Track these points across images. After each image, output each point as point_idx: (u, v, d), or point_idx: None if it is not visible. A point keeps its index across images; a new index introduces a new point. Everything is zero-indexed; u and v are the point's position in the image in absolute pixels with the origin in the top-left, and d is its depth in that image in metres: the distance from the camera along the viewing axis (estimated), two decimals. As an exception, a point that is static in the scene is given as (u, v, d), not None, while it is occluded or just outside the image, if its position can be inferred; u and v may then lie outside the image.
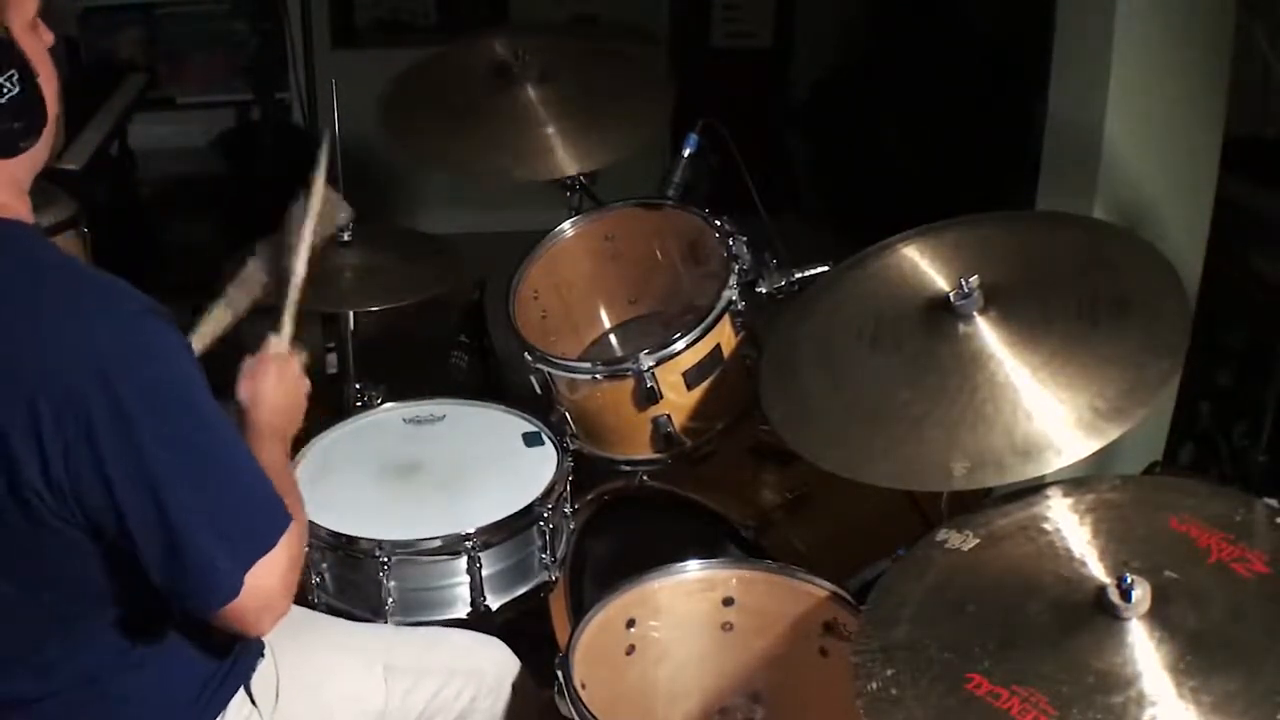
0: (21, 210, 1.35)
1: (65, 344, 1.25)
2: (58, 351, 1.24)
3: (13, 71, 1.29)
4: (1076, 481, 1.52)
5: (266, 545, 1.35)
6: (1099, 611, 1.32)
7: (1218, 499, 1.45)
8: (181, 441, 1.28)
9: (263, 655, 1.57)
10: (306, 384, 1.63)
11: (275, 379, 1.56)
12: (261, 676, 1.56)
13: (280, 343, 1.62)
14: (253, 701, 1.54)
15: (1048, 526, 1.47)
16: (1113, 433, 1.47)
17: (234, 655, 1.52)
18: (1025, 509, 1.50)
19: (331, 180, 1.76)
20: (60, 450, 1.23)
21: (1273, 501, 1.42)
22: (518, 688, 1.79)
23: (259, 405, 1.53)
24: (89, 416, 1.23)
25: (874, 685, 1.34)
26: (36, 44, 1.34)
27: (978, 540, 1.49)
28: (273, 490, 1.38)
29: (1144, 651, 1.28)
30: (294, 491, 1.50)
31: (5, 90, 1.28)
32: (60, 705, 1.39)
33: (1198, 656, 1.26)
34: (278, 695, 1.56)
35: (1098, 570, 1.39)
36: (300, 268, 1.66)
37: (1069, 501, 1.49)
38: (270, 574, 1.35)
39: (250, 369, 1.57)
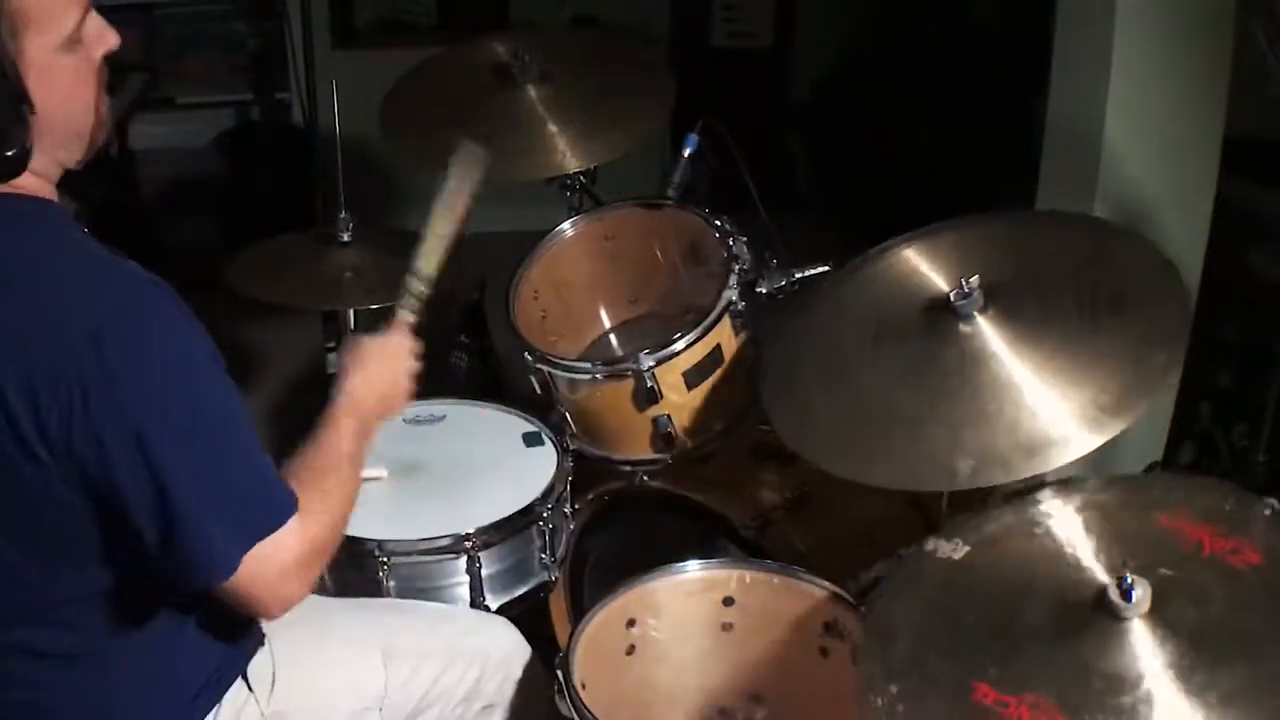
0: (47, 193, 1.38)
1: (61, 306, 1.25)
2: (53, 313, 1.25)
3: None
4: (1064, 483, 1.52)
5: (266, 528, 1.33)
6: (1100, 613, 1.32)
7: (1204, 492, 1.46)
8: (173, 413, 1.27)
9: (263, 644, 1.57)
10: (410, 366, 1.63)
11: (376, 357, 1.57)
12: (258, 663, 1.55)
13: (405, 317, 1.65)
14: (249, 688, 1.53)
15: (1038, 530, 1.47)
16: (1116, 427, 1.48)
17: (234, 644, 1.51)
18: (1014, 513, 1.51)
19: (331, 181, 1.76)
20: (56, 412, 1.23)
21: (1273, 501, 1.41)
22: (528, 670, 1.79)
23: (351, 379, 1.55)
24: (82, 380, 1.23)
25: (880, 702, 1.33)
26: (64, 64, 1.29)
27: (968, 548, 1.49)
28: (275, 476, 1.37)
29: (1147, 651, 1.28)
30: (342, 479, 1.47)
31: None
32: (61, 686, 1.38)
33: (1201, 652, 1.26)
34: (274, 681, 1.55)
35: (1094, 572, 1.39)
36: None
37: (1057, 504, 1.50)
38: (272, 558, 1.33)
39: (356, 342, 1.57)
